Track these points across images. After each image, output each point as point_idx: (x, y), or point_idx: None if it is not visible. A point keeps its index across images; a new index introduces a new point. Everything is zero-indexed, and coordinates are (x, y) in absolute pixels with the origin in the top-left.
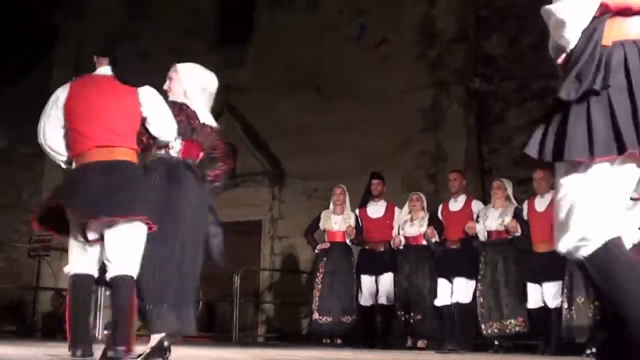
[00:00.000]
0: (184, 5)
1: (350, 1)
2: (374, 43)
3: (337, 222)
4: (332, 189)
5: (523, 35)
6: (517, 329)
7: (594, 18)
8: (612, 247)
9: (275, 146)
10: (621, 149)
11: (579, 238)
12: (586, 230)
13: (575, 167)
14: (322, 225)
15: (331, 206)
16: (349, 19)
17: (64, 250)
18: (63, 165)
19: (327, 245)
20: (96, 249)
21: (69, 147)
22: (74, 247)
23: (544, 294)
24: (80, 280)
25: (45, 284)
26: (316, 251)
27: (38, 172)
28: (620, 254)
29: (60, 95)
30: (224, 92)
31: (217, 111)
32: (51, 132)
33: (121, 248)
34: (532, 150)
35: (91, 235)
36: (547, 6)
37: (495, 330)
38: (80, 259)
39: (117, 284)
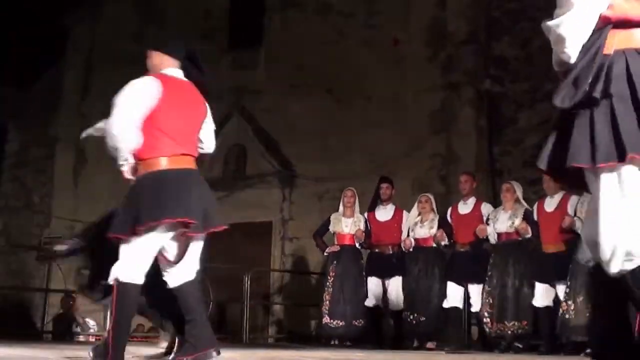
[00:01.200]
0: (195, 8)
1: (361, 3)
2: (390, 43)
3: (348, 225)
4: (343, 190)
5: (534, 37)
6: (519, 331)
7: (595, 29)
8: None
9: (286, 148)
10: (622, 154)
11: (626, 252)
12: (633, 245)
13: (603, 177)
14: (332, 228)
15: (341, 209)
16: (361, 21)
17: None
18: (124, 166)
19: (336, 248)
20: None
21: (148, 147)
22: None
23: (558, 295)
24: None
25: (55, 286)
26: (325, 254)
27: (49, 175)
28: None
29: (150, 91)
30: (235, 94)
31: (227, 113)
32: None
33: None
34: (541, 163)
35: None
36: (548, 22)
37: (498, 331)
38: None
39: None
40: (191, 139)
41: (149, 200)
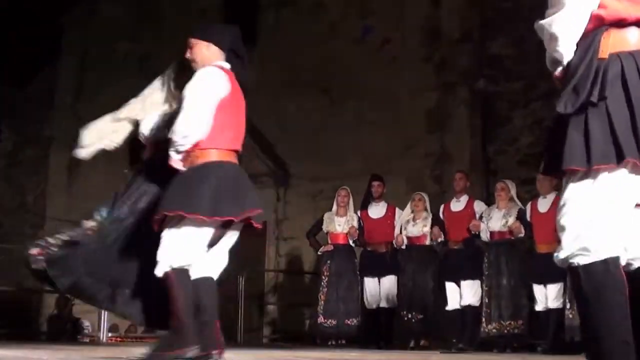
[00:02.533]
0: (189, 7)
1: (355, 2)
2: (379, 44)
3: (341, 224)
4: (337, 190)
5: (529, 36)
6: (515, 330)
7: (590, 31)
8: (610, 264)
9: (281, 147)
10: (620, 157)
11: (581, 247)
12: (589, 241)
13: (580, 177)
14: (325, 227)
15: (334, 208)
16: (355, 20)
17: None
18: (179, 154)
19: (330, 247)
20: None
21: (208, 137)
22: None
23: (547, 295)
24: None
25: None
26: (319, 253)
27: (43, 175)
28: (617, 273)
29: (221, 84)
30: None
31: None
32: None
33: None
34: (541, 167)
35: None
36: (540, 21)
37: (494, 331)
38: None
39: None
40: (241, 135)
41: (226, 192)
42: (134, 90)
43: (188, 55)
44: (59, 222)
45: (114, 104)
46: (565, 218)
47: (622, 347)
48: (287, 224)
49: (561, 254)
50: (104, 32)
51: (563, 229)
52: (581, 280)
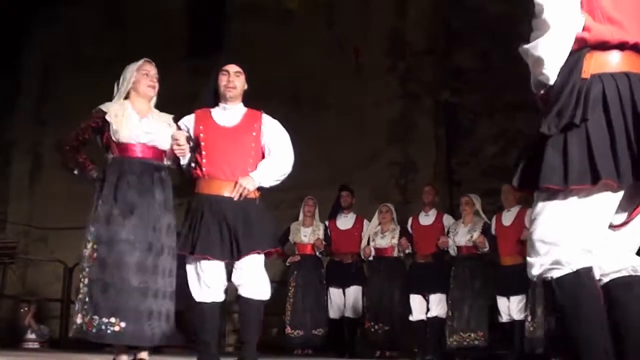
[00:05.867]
0: (155, 15)
1: (321, 12)
2: (353, 56)
3: (307, 234)
4: (302, 199)
5: (493, 48)
6: (476, 342)
7: (573, 52)
8: (582, 275)
9: None
10: (595, 179)
11: (553, 261)
12: (561, 254)
13: (554, 194)
14: (291, 237)
15: (300, 217)
16: (321, 30)
17: (29, 258)
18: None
19: (297, 258)
20: None
21: None
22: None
23: (510, 307)
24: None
25: (9, 292)
26: (287, 264)
27: (4, 181)
28: (590, 284)
29: None
30: (194, 102)
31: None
32: None
33: None
34: (515, 181)
35: None
36: (525, 45)
37: (455, 343)
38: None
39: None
40: None
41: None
42: (99, 94)
43: (235, 82)
44: (19, 227)
45: (78, 109)
46: (537, 232)
47: (602, 356)
48: None
49: (534, 270)
50: (68, 35)
51: (535, 243)
52: (556, 294)
